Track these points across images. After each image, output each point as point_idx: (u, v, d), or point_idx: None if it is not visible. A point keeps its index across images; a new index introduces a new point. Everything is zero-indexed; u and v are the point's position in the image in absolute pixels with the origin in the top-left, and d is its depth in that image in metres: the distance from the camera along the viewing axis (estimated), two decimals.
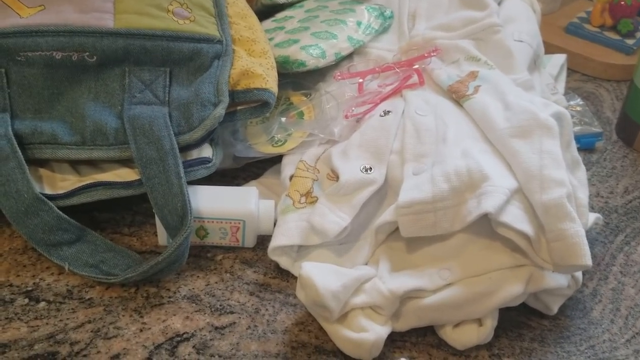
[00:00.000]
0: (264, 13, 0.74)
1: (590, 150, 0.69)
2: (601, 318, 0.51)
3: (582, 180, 0.53)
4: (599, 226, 0.58)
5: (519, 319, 0.50)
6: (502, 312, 0.48)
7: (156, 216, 0.51)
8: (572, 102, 0.73)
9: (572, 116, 0.70)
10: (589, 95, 0.78)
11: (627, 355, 0.48)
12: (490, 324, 0.47)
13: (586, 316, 0.51)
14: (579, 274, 0.49)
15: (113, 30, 0.55)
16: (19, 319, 0.47)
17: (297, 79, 0.65)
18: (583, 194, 0.51)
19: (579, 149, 0.68)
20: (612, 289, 0.53)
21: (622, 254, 0.57)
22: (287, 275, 0.52)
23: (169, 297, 0.50)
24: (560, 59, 0.75)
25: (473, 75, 0.59)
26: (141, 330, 0.47)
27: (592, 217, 0.53)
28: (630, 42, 0.83)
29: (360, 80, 0.63)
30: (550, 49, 0.81)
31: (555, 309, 0.50)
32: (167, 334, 0.47)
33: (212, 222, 0.52)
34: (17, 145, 0.51)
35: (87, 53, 0.54)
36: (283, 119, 0.61)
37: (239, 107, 0.58)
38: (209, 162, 0.55)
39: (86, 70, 0.55)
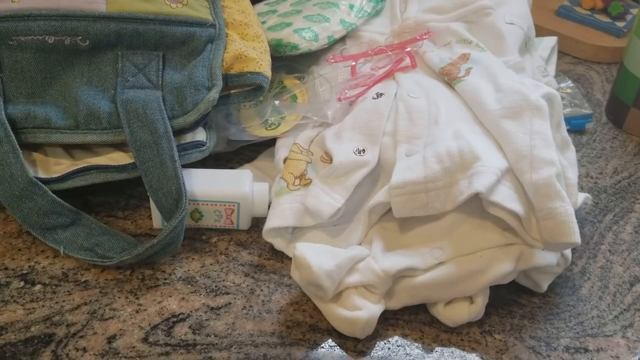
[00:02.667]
0: None
1: (580, 131, 0.70)
2: (590, 295, 0.52)
3: (571, 160, 0.54)
4: (588, 206, 0.59)
5: (509, 297, 0.51)
6: (493, 290, 0.49)
7: (151, 199, 0.51)
8: (562, 85, 0.73)
9: (563, 98, 0.71)
10: (580, 77, 0.79)
11: (614, 331, 0.49)
12: (481, 301, 0.48)
13: (575, 293, 0.52)
14: (568, 252, 0.50)
15: (105, 14, 0.55)
16: (15, 301, 0.48)
17: (290, 62, 0.65)
18: (572, 174, 0.52)
19: (569, 131, 0.69)
20: (601, 267, 0.54)
21: (611, 232, 0.58)
22: (281, 257, 0.53)
23: (165, 279, 0.50)
24: (551, 41, 0.75)
25: (464, 57, 0.59)
26: (137, 312, 0.48)
27: (582, 196, 0.54)
28: (620, 24, 0.83)
29: (353, 63, 0.63)
30: (541, 31, 0.81)
31: (545, 287, 0.51)
32: (163, 314, 0.48)
33: (207, 204, 0.53)
34: (10, 130, 0.51)
35: (80, 37, 0.54)
36: (277, 102, 0.61)
37: (232, 91, 0.58)
38: (203, 145, 0.56)
39: (79, 55, 0.55)
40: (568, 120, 0.69)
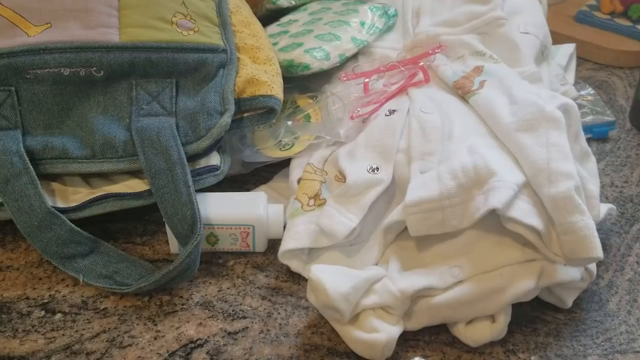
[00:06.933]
0: (269, 17, 0.74)
1: (603, 139, 0.68)
2: (617, 310, 0.50)
3: (592, 171, 0.52)
4: (613, 217, 0.57)
5: (533, 314, 0.50)
6: (516, 307, 0.48)
7: (166, 225, 0.51)
8: (583, 92, 0.72)
9: (584, 106, 0.69)
10: (602, 83, 0.77)
11: None
12: (503, 319, 0.47)
13: (602, 308, 0.50)
14: (593, 266, 0.48)
15: (119, 45, 0.56)
16: (36, 331, 0.48)
17: (302, 81, 0.65)
18: (594, 186, 0.50)
19: (592, 139, 0.67)
20: (629, 279, 0.52)
21: (638, 243, 0.56)
22: (298, 278, 0.53)
23: (182, 305, 0.50)
24: (569, 48, 0.74)
25: (478, 70, 0.59)
26: (155, 338, 0.48)
27: (605, 208, 0.52)
28: None
29: (366, 80, 0.63)
30: (560, 38, 0.80)
31: (569, 302, 0.49)
32: (180, 341, 0.48)
33: (222, 228, 0.53)
34: (29, 161, 0.52)
35: (95, 68, 0.55)
36: (290, 123, 0.61)
37: (245, 114, 0.59)
38: (217, 169, 0.56)
39: (94, 85, 0.56)
40: (590, 128, 0.67)
